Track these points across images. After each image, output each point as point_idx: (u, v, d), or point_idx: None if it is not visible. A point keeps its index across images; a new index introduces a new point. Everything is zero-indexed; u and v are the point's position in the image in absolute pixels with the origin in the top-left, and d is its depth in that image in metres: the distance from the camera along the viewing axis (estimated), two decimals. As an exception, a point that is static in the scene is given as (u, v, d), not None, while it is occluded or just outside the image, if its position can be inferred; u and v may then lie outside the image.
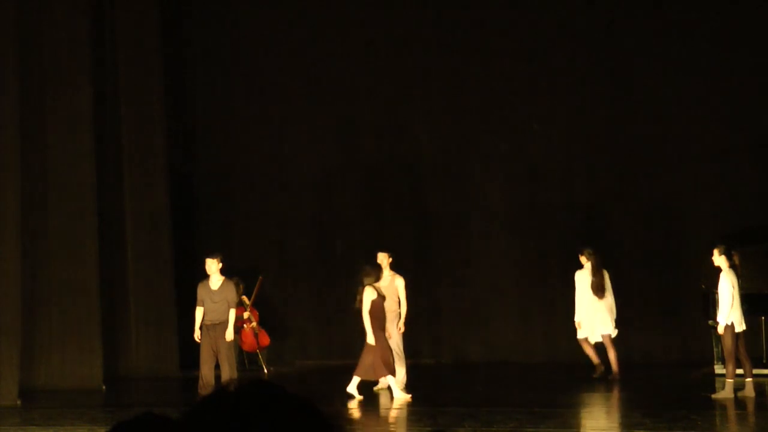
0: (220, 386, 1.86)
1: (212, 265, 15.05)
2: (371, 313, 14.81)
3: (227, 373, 14.82)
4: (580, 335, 16.74)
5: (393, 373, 14.93)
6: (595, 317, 16.62)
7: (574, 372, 16.76)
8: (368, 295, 14.86)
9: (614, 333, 16.61)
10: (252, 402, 1.79)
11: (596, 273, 16.63)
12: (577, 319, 16.66)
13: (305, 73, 19.47)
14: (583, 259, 16.75)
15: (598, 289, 16.57)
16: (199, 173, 19.82)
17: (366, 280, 14.92)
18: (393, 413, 14.64)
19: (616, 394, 15.49)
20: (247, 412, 1.77)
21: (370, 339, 14.82)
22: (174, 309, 17.94)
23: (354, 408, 14.38)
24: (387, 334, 15.32)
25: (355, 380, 14.93)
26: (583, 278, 16.66)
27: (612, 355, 16.51)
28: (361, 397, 14.77)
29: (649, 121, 18.36)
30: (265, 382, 1.84)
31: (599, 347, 16.69)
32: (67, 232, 16.28)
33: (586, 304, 16.59)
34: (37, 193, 16.15)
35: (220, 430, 1.76)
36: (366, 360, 14.83)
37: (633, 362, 17.55)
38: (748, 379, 14.36)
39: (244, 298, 17.87)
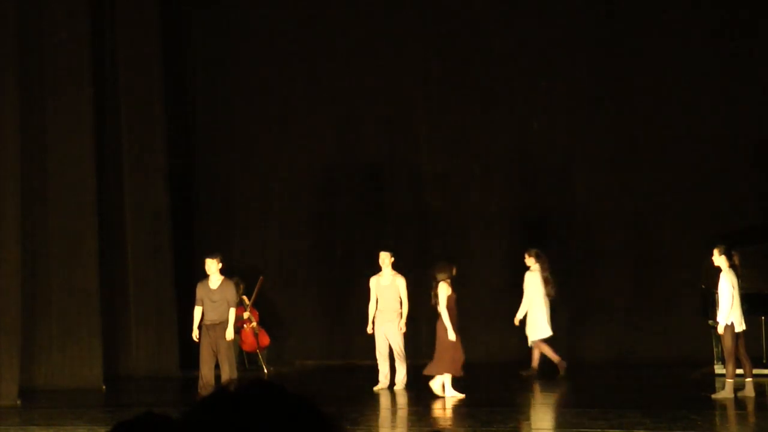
0: (220, 386, 1.86)
1: (212, 265, 15.05)
2: (447, 308, 14.70)
3: (227, 373, 14.81)
4: (540, 336, 16.69)
5: (458, 373, 14.80)
6: (546, 317, 16.72)
7: (573, 372, 16.75)
8: (444, 291, 14.70)
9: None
10: (252, 402, 1.78)
11: (550, 273, 16.73)
12: (521, 317, 16.75)
13: (305, 73, 19.47)
14: (530, 261, 16.76)
15: (552, 289, 16.69)
16: (199, 173, 19.81)
17: (439, 276, 14.80)
18: (393, 413, 14.64)
19: (615, 394, 15.48)
20: (247, 412, 1.77)
21: (451, 335, 14.62)
22: (174, 309, 17.92)
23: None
24: (400, 330, 15.44)
25: (448, 379, 14.72)
26: (534, 279, 16.68)
27: (538, 355, 16.73)
28: (462, 396, 14.61)
29: (649, 121, 18.36)
30: (265, 382, 1.84)
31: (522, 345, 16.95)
32: (67, 232, 16.27)
33: (540, 305, 16.64)
34: (37, 193, 16.14)
35: (221, 430, 1.76)
36: (446, 356, 14.60)
37: (632, 362, 17.56)
38: (748, 379, 14.36)
39: (244, 298, 17.87)
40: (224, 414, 1.77)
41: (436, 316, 14.87)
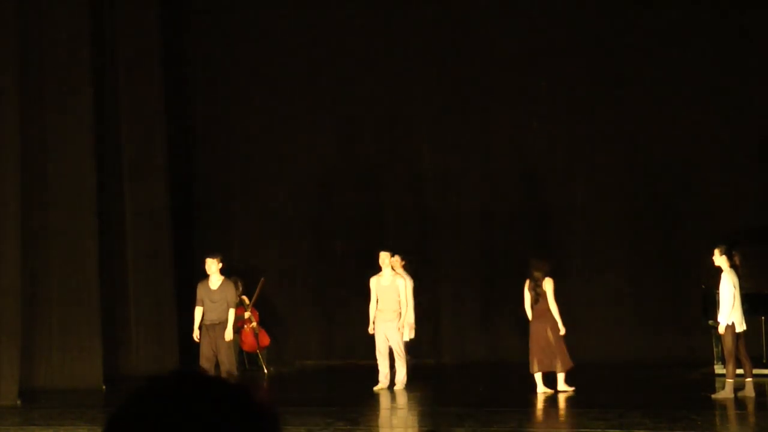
0: (147, 381, 1.78)
1: (212, 265, 15.04)
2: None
3: (227, 373, 14.80)
4: (407, 338, 16.22)
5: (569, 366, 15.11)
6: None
7: (573, 372, 16.73)
8: (552, 286, 15.00)
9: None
10: (182, 391, 1.72)
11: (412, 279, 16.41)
12: (412, 322, 16.30)
13: (305, 73, 19.46)
14: (397, 265, 16.16)
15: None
16: (199, 173, 19.81)
17: (538, 273, 15.05)
18: (393, 413, 14.63)
19: (615, 394, 15.47)
20: (176, 402, 1.71)
21: (563, 329, 14.97)
22: (174, 309, 17.92)
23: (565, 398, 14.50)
24: (399, 330, 15.46)
25: (562, 376, 15.02)
26: (408, 284, 16.14)
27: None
28: (573, 389, 14.93)
29: (650, 121, 18.35)
30: (191, 372, 1.78)
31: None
32: (67, 232, 16.27)
33: (411, 309, 16.12)
34: (37, 193, 16.14)
35: (148, 423, 1.70)
36: (562, 351, 14.92)
37: (633, 362, 17.54)
38: (748, 379, 14.36)
39: (244, 298, 17.88)
40: (152, 407, 1.71)
41: (535, 313, 15.12)
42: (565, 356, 14.95)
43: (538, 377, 15.08)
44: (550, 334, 14.96)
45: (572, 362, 15.00)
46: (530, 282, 15.14)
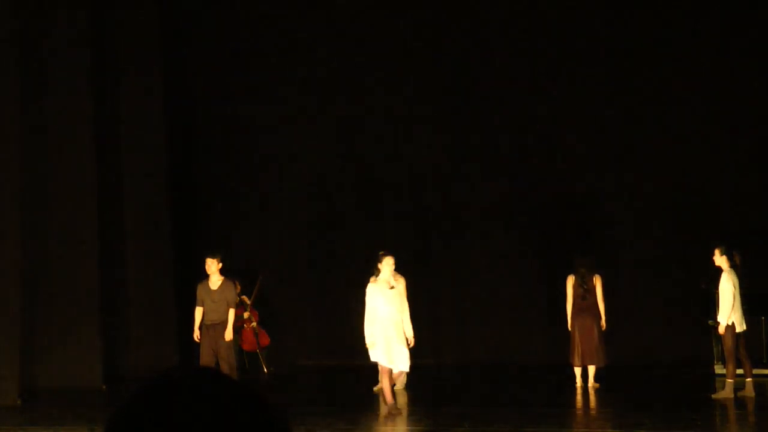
0: (161, 374, 1.77)
1: (212, 265, 15.02)
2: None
3: (227, 373, 14.78)
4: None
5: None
6: None
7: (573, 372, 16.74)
8: (601, 282, 15.29)
9: None
10: (193, 389, 1.71)
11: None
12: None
13: (306, 73, 19.46)
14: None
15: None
16: (199, 173, 19.81)
17: (584, 270, 15.25)
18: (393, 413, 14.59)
19: (615, 394, 15.48)
20: (188, 398, 1.70)
21: (604, 325, 15.23)
22: (174, 309, 17.93)
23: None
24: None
25: (592, 369, 15.39)
26: None
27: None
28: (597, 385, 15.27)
29: (650, 121, 18.36)
30: (205, 369, 1.77)
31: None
32: (67, 232, 16.28)
33: None
34: (37, 193, 16.15)
35: (159, 418, 1.69)
36: (602, 346, 15.20)
37: (633, 362, 17.54)
38: (748, 379, 14.37)
39: (245, 298, 17.88)
40: (163, 402, 1.70)
41: (582, 307, 15.32)
42: (604, 352, 15.22)
43: (577, 371, 15.34)
44: (595, 329, 15.14)
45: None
46: (576, 278, 15.30)
